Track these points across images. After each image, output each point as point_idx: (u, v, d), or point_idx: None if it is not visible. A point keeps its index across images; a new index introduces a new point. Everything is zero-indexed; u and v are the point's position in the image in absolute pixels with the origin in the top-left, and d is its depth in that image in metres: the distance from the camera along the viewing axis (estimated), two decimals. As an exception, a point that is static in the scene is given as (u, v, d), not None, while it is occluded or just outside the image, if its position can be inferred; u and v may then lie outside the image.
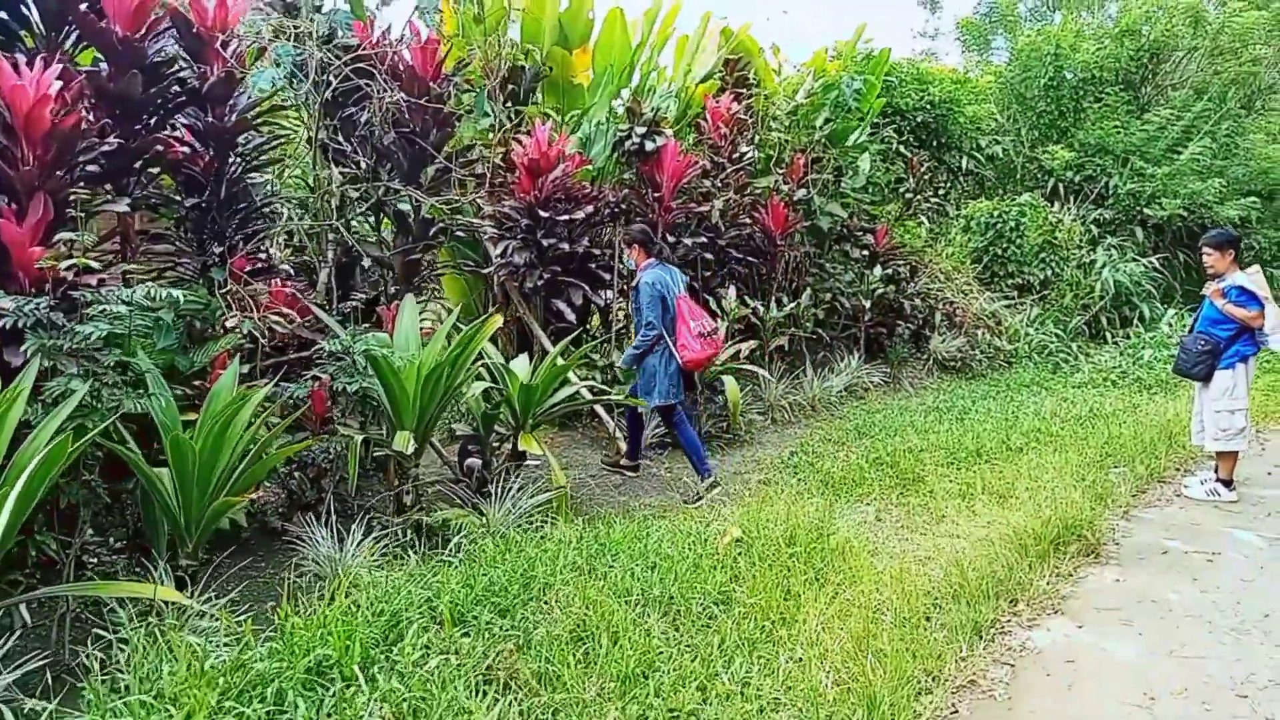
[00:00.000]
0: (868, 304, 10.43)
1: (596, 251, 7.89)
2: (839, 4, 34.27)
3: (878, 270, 10.65)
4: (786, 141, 9.90)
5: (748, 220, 9.16)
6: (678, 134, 9.07)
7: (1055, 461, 6.69)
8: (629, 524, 5.00)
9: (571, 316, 7.27)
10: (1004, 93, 16.30)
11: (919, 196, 12.04)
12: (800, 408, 9.07)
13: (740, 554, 4.46)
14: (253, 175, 5.27)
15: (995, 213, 13.67)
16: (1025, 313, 12.98)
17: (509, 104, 7.15)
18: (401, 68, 5.62)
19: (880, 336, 11.34)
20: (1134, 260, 14.35)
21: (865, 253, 10.90)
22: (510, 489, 5.26)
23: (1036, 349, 12.47)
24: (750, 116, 9.21)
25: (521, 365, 6.09)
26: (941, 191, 14.62)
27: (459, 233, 6.60)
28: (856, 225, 10.77)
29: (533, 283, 7.07)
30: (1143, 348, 12.17)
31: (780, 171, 9.67)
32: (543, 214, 6.90)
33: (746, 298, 9.08)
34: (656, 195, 7.91)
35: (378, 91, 5.32)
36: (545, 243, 6.98)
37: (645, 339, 6.26)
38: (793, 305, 9.59)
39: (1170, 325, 13.10)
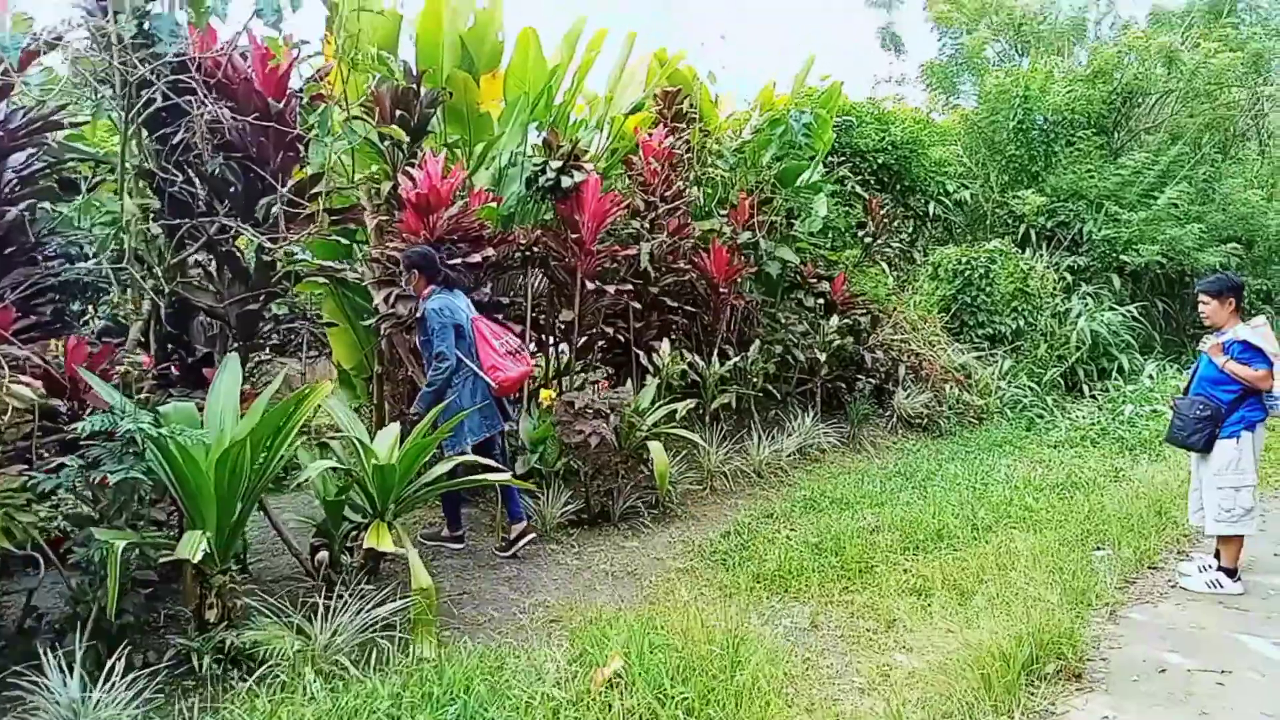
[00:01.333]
0: (823, 356, 9.48)
1: (505, 300, 6.93)
2: (792, 45, 33.94)
3: (834, 320, 9.73)
4: (731, 181, 9.03)
5: (686, 266, 8.22)
6: (606, 170, 8.18)
7: (1028, 546, 5.69)
8: (479, 652, 3.94)
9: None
10: (971, 136, 15.64)
11: (880, 241, 11.18)
12: (744, 475, 8.06)
13: (619, 694, 3.41)
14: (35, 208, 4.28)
15: (964, 260, 12.85)
16: (997, 365, 12.09)
17: (383, 132, 6.20)
18: (235, 81, 4.66)
19: (839, 392, 10.41)
20: (1111, 309, 13.56)
21: (821, 301, 9.98)
22: (361, 593, 4.22)
23: (1009, 404, 11.58)
24: (688, 153, 8.33)
25: (389, 437, 5.06)
26: (907, 237, 13.84)
27: (316, 277, 5.59)
28: (811, 272, 9.87)
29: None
30: (1123, 402, 11.28)
31: (724, 213, 8.78)
32: (438, 253, 5.92)
33: (685, 351, 8.12)
34: (575, 237, 6.96)
35: (197, 106, 4.35)
36: (435, 290, 5.99)
37: (439, 371, 5.51)
38: (738, 359, 8.64)
39: (1151, 378, 12.26)
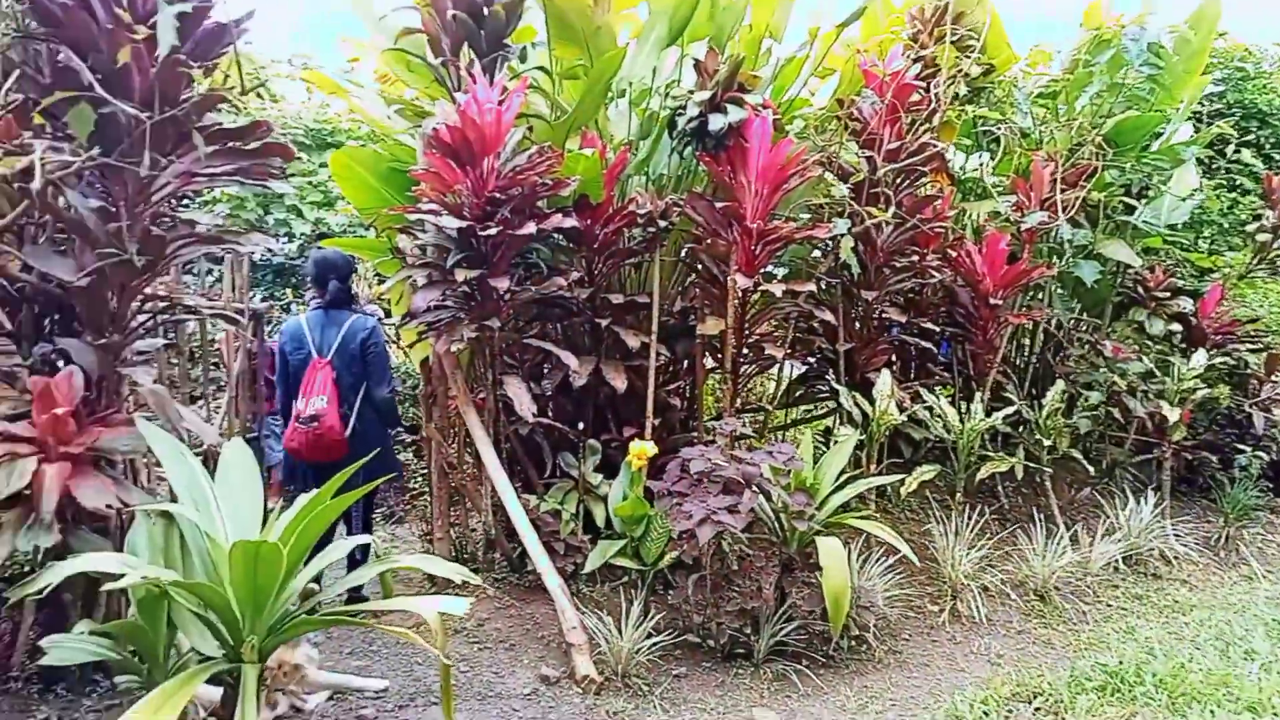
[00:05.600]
0: (1175, 414, 6.04)
1: (618, 300, 4.65)
2: None
3: (1200, 357, 6.22)
4: (1028, 138, 6.02)
5: (933, 262, 5.40)
6: (818, 124, 5.58)
7: None
8: None
9: (527, 408, 4.07)
10: None
11: (1287, 241, 7.30)
12: (1018, 594, 5.04)
13: None
14: None
15: None
16: None
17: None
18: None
19: (1204, 467, 6.79)
20: None
21: (1177, 328, 6.49)
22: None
23: None
24: (937, 91, 5.44)
25: (247, 494, 3.00)
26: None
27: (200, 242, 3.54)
28: (1160, 282, 6.42)
29: (451, 344, 4.02)
30: None
31: (1004, 187, 5.81)
32: (464, 223, 3.84)
33: (925, 390, 5.29)
34: (726, 206, 4.52)
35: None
36: (466, 275, 3.89)
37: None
38: (1022, 406, 5.62)
39: None
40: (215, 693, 2.78)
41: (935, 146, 5.22)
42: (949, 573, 4.93)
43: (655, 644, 3.88)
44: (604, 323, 4.54)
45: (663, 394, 4.82)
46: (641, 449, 4.05)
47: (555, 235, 4.37)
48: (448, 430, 4.67)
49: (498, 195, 3.99)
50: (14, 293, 3.23)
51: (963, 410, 5.26)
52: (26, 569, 3.10)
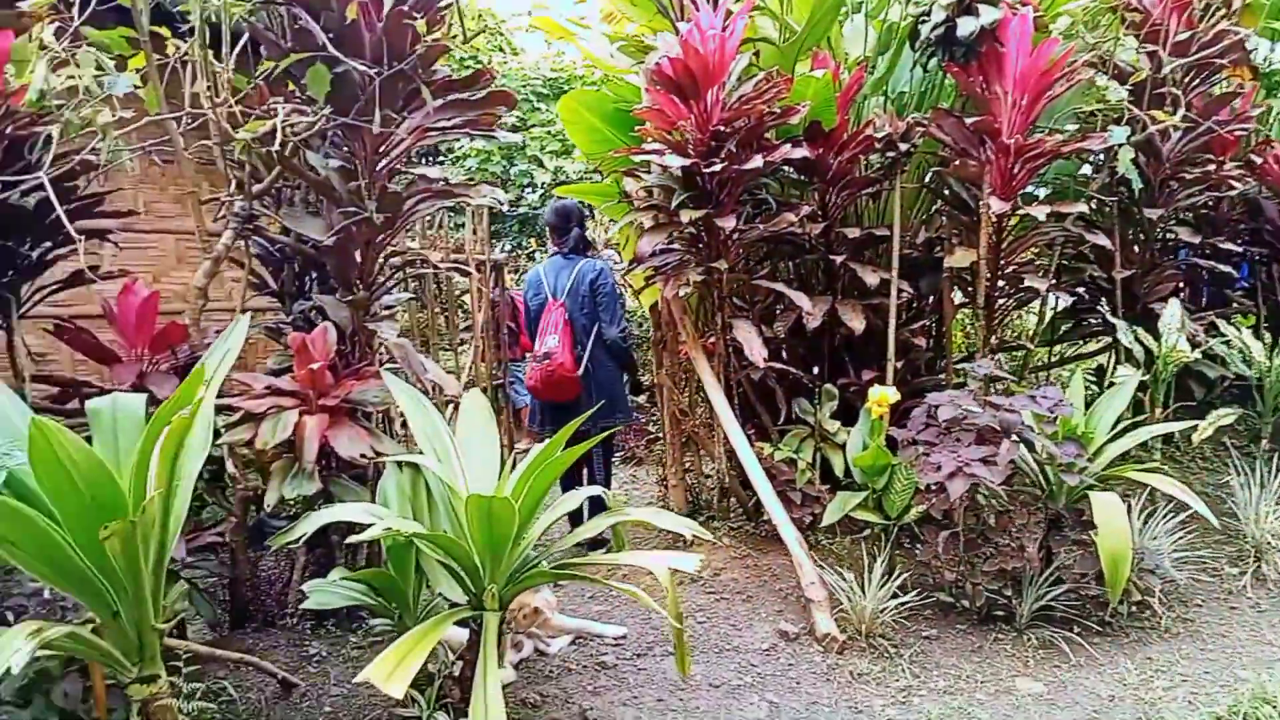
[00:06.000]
0: None
1: (855, 234, 4.31)
2: None
3: None
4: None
5: (1233, 171, 4.60)
6: (1089, 19, 4.86)
7: None
8: None
9: (758, 353, 3.88)
10: None
11: None
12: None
13: None
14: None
15: None
16: None
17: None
18: None
19: None
20: None
21: None
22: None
23: None
24: None
25: (486, 447, 3.01)
26: None
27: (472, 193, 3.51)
28: None
29: (678, 289, 3.89)
30: None
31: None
32: (688, 160, 3.67)
33: (1222, 321, 4.56)
34: (981, 122, 4.03)
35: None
36: (691, 216, 3.72)
37: None
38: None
39: None
40: (463, 635, 2.85)
41: (1235, 35, 4.40)
42: (1252, 531, 4.28)
43: (902, 603, 3.62)
44: (839, 259, 4.23)
45: (905, 334, 4.46)
46: (883, 395, 3.75)
47: (784, 167, 4.12)
48: (679, 376, 4.59)
49: (722, 129, 3.78)
50: (275, 253, 3.44)
51: (1270, 343, 4.51)
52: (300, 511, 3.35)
